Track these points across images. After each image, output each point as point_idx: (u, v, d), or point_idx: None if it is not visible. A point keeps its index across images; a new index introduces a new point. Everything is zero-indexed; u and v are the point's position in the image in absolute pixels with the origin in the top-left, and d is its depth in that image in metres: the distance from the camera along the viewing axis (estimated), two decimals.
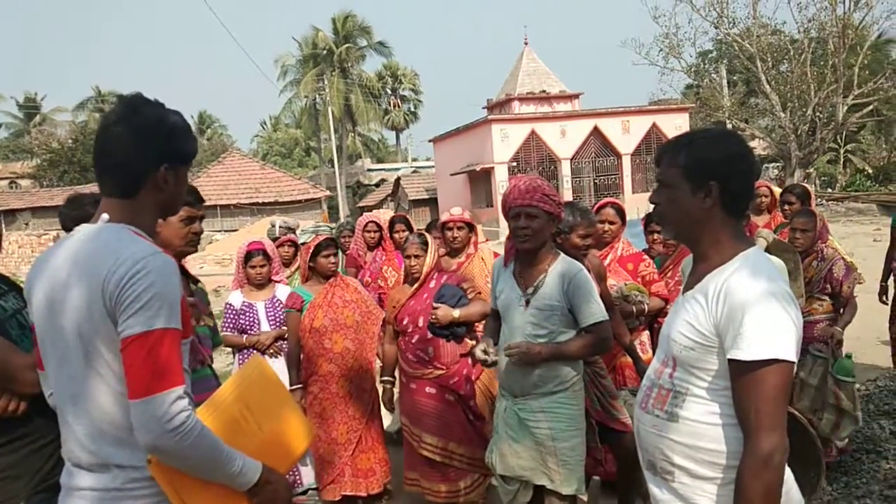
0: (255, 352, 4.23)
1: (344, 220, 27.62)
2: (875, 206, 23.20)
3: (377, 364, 4.15)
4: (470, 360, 3.71)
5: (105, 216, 1.61)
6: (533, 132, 27.59)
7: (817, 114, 23.38)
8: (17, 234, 23.11)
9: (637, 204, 22.81)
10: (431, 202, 33.20)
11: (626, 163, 28.66)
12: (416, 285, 3.77)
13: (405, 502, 4.10)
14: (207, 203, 2.88)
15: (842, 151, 31.43)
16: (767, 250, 3.53)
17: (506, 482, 3.01)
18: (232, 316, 4.33)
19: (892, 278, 5.48)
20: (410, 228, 5.32)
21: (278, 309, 4.34)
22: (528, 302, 2.88)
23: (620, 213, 4.23)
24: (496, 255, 3.96)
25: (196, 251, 2.71)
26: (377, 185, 41.80)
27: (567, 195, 26.01)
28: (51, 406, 1.69)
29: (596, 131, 28.27)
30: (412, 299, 3.75)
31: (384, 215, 5.76)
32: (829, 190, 29.40)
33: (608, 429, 3.30)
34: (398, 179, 36.51)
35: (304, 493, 4.28)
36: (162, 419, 1.46)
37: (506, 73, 33.22)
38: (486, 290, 3.81)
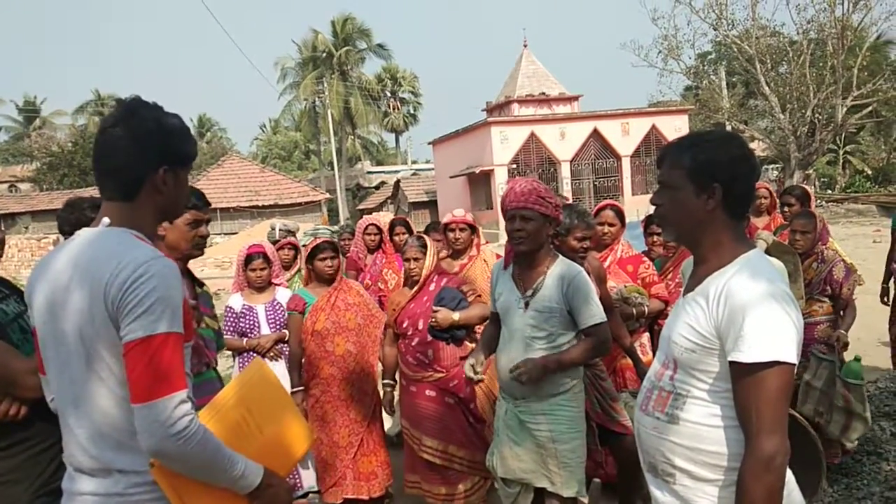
0: (255, 355, 4.23)
1: (343, 222, 27.66)
2: (875, 207, 23.24)
3: (379, 367, 4.15)
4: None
5: (106, 220, 1.62)
6: (532, 134, 27.61)
7: (816, 115, 23.38)
8: (17, 238, 23.12)
9: (637, 206, 22.83)
10: (431, 204, 33.22)
11: (626, 165, 28.68)
12: (415, 288, 3.77)
13: None
14: None
15: (841, 153, 31.48)
16: (767, 252, 3.53)
17: (507, 485, 3.01)
18: (232, 319, 4.33)
19: (892, 280, 5.48)
20: (410, 231, 5.32)
21: (278, 312, 4.34)
22: (527, 304, 2.88)
23: (620, 215, 4.23)
24: (498, 256, 3.96)
25: (202, 254, 2.73)
26: (377, 188, 41.82)
27: (567, 197, 26.00)
28: (53, 410, 1.69)
29: (595, 133, 28.29)
30: (412, 302, 3.75)
31: (384, 218, 5.76)
32: (829, 191, 29.44)
33: (609, 431, 3.30)
34: (398, 182, 36.53)
35: (305, 496, 4.28)
36: (165, 423, 1.46)
37: (505, 75, 33.29)
38: (488, 291, 3.81)
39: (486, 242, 4.85)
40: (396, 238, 5.30)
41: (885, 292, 5.56)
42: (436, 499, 3.67)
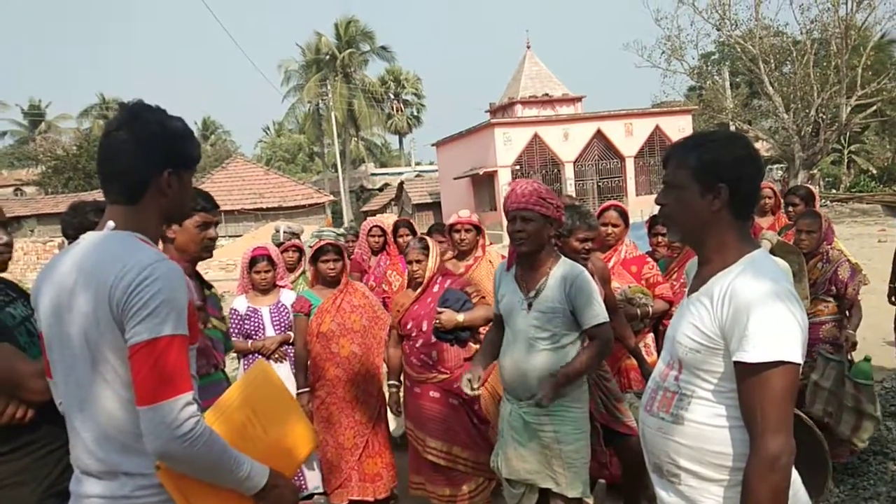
0: (259, 357, 4.24)
1: (347, 224, 27.68)
2: (880, 206, 23.16)
3: (384, 368, 4.16)
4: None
5: (111, 223, 1.62)
6: (536, 135, 27.61)
7: (821, 115, 23.32)
8: (23, 241, 23.20)
9: (641, 206, 22.80)
10: (435, 206, 33.21)
11: (630, 165, 28.65)
12: (419, 290, 3.77)
13: None
14: None
15: (845, 152, 31.38)
16: (772, 252, 3.53)
17: (511, 486, 3.01)
18: (237, 321, 4.34)
19: None
20: (414, 232, 5.32)
21: (283, 314, 4.35)
22: (530, 305, 2.89)
23: (623, 215, 4.23)
24: (503, 257, 3.98)
25: (211, 256, 2.74)
26: (380, 190, 41.84)
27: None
28: (62, 413, 1.69)
29: (599, 134, 28.27)
30: (416, 304, 3.76)
31: (388, 220, 5.76)
32: (834, 191, 29.35)
33: (613, 432, 3.30)
34: (401, 184, 36.53)
35: (310, 497, 4.29)
36: (171, 425, 1.46)
37: (508, 76, 33.28)
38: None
39: (490, 244, 4.85)
40: (400, 240, 5.30)
41: (892, 292, 5.54)
42: (440, 500, 3.67)
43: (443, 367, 3.67)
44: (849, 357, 4.04)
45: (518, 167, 27.29)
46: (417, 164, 49.90)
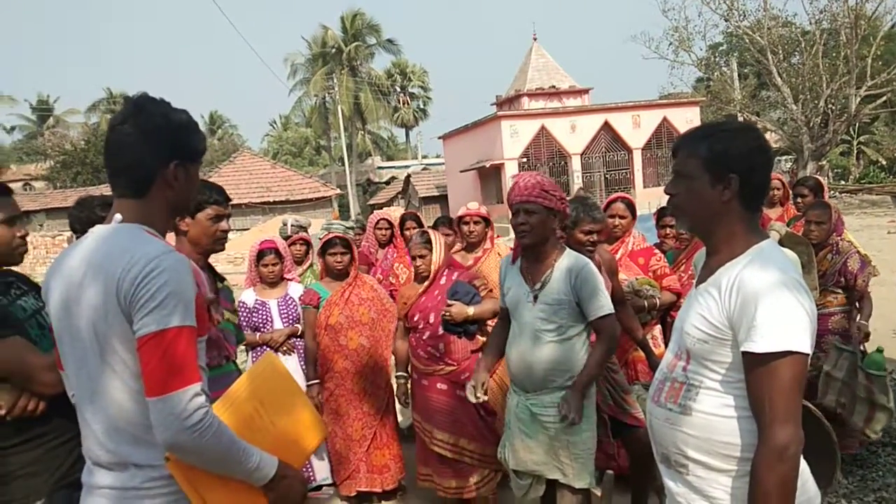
0: (267, 349, 4.26)
1: (354, 217, 27.69)
2: (889, 197, 23.02)
3: (392, 361, 4.17)
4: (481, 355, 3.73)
5: (118, 216, 1.63)
6: (543, 128, 27.52)
7: (830, 106, 23.14)
8: (32, 236, 23.18)
9: (648, 198, 22.72)
10: (442, 199, 33.20)
11: (637, 157, 28.54)
12: (426, 283, 3.77)
13: (419, 498, 4.12)
14: None
15: (855, 143, 31.18)
16: (780, 243, 3.52)
17: (518, 477, 3.03)
18: (245, 314, 4.35)
19: None
20: (421, 225, 5.32)
21: (291, 307, 4.36)
22: (536, 297, 2.90)
23: (631, 207, 4.22)
24: (511, 250, 3.98)
25: (223, 249, 2.75)
26: (387, 183, 41.84)
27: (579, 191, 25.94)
28: (74, 405, 1.71)
29: (606, 126, 28.16)
30: (423, 296, 3.76)
31: (395, 213, 5.77)
32: (843, 182, 29.19)
33: (621, 423, 3.30)
34: (408, 177, 36.53)
35: (318, 488, 4.31)
36: (180, 416, 1.47)
37: (515, 68, 33.19)
38: None
39: (498, 236, 4.85)
40: (407, 233, 5.31)
41: None
42: (446, 492, 3.69)
43: (450, 358, 3.67)
44: (861, 348, 4.03)
45: (525, 160, 27.23)
46: (424, 157, 49.90)
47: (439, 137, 34.16)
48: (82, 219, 2.65)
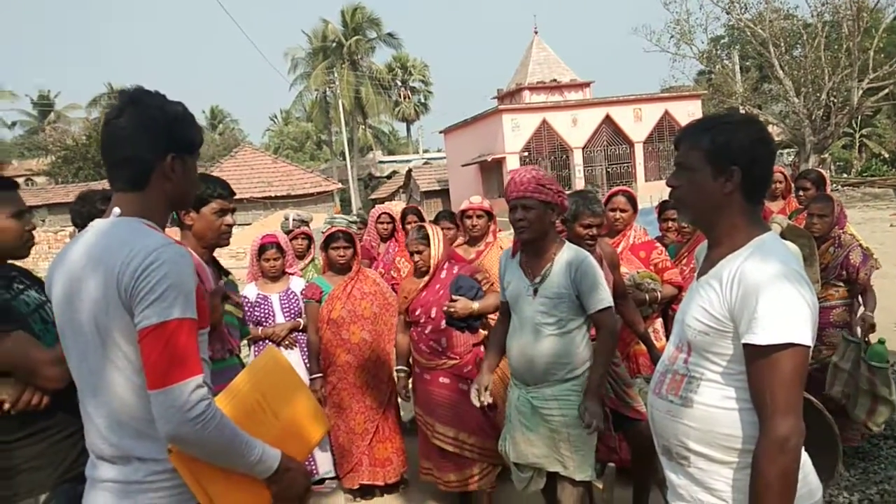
0: (269, 343, 4.26)
1: (356, 212, 27.68)
2: (891, 190, 22.97)
3: (394, 354, 4.18)
4: (483, 348, 3.73)
5: (117, 210, 1.63)
6: (544, 121, 27.49)
7: (832, 98, 23.06)
8: (35, 231, 23.28)
9: (650, 192, 22.70)
10: (443, 193, 33.19)
11: (639, 151, 28.51)
12: (427, 277, 3.77)
13: (421, 491, 4.13)
14: None
15: (857, 136, 31.12)
16: (782, 235, 3.51)
17: (519, 469, 3.04)
18: (247, 308, 4.35)
19: None
20: (422, 220, 5.32)
21: (293, 301, 4.37)
22: (536, 291, 2.90)
23: (632, 200, 4.22)
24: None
25: (228, 244, 2.75)
26: (388, 178, 41.80)
27: (579, 184, 25.91)
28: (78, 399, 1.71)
29: (608, 120, 28.13)
30: (424, 291, 3.76)
31: (396, 207, 5.77)
32: (845, 175, 29.13)
33: (623, 417, 3.31)
34: (409, 171, 36.51)
35: (321, 481, 4.33)
36: (182, 408, 1.47)
37: (516, 62, 33.11)
38: None
39: (500, 230, 4.86)
40: (409, 227, 5.30)
41: None
42: (446, 486, 3.71)
43: (452, 352, 3.68)
44: (867, 339, 4.02)
45: (526, 153, 27.20)
46: (425, 151, 49.83)
47: (440, 132, 34.15)
48: (84, 214, 2.65)
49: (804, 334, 1.54)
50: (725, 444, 1.66)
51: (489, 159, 27.61)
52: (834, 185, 22.23)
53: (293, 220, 6.18)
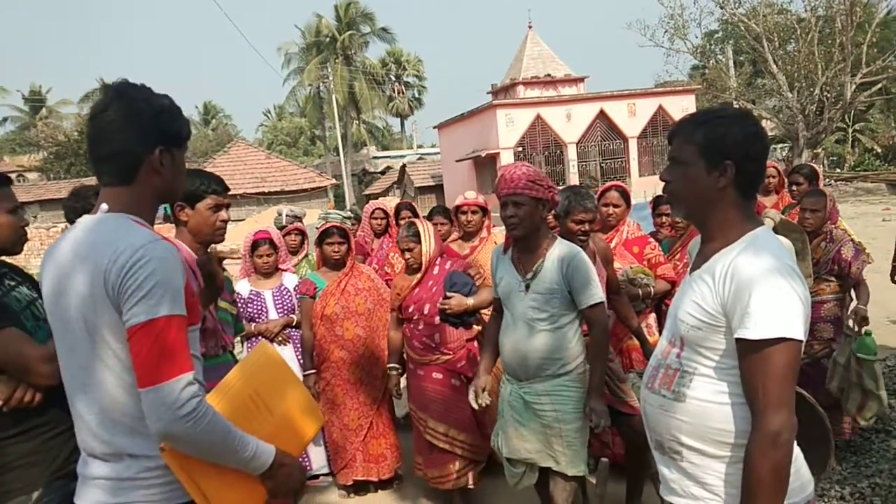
0: (262, 339, 4.26)
1: (350, 207, 27.62)
2: (884, 185, 23.08)
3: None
4: (476, 344, 3.74)
5: (104, 206, 1.61)
6: (538, 116, 27.46)
7: (825, 93, 23.13)
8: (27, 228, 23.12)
9: (644, 187, 22.74)
10: (437, 189, 33.15)
11: (633, 146, 28.51)
12: (419, 274, 3.77)
13: (415, 487, 4.14)
14: None
15: (850, 131, 31.15)
16: (775, 230, 3.51)
17: (512, 465, 3.04)
18: (240, 305, 4.35)
19: None
20: (416, 215, 5.32)
21: (286, 297, 4.36)
22: (527, 287, 2.90)
23: (625, 196, 4.22)
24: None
25: (223, 240, 2.74)
26: (382, 173, 41.72)
27: (573, 179, 25.92)
28: None
29: (602, 115, 28.11)
30: (417, 287, 3.76)
31: (390, 202, 5.77)
32: (838, 170, 29.21)
33: (616, 412, 3.31)
34: (403, 167, 36.43)
35: (315, 477, 4.33)
36: (173, 406, 1.46)
37: (510, 57, 33.06)
38: None
39: (495, 226, 4.86)
40: (402, 222, 5.30)
41: (895, 271, 5.53)
42: (432, 482, 3.75)
43: (445, 348, 3.68)
44: (860, 332, 4.04)
45: (520, 149, 27.18)
46: (419, 146, 49.79)
47: (434, 127, 34.06)
48: (77, 209, 2.64)
49: (797, 329, 1.54)
50: (718, 439, 1.66)
51: (483, 154, 27.56)
52: (827, 179, 22.29)
53: (287, 215, 6.17)
